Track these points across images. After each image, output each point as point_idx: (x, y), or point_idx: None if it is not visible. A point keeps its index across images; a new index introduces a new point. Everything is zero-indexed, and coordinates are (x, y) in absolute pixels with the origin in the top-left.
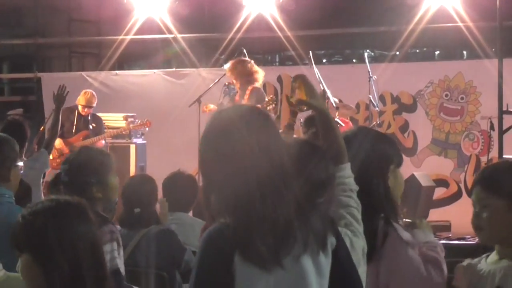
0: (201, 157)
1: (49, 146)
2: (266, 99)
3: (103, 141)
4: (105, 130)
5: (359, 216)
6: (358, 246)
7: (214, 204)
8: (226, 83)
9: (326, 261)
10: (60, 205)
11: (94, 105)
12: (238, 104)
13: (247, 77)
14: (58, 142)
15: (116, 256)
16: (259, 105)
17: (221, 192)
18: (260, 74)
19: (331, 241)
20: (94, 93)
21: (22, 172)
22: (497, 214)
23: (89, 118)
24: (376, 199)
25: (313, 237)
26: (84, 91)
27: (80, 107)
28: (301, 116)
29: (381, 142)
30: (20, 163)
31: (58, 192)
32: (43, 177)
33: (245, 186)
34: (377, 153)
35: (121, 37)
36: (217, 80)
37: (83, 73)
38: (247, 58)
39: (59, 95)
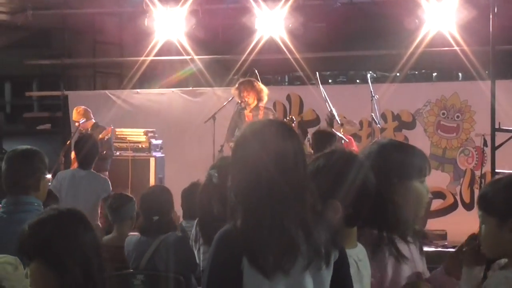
0: (231, 159)
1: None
2: (286, 119)
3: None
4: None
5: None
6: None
7: (231, 205)
8: (239, 101)
9: (327, 273)
10: (63, 214)
11: (81, 121)
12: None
13: (256, 95)
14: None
15: None
16: None
17: (237, 195)
18: (265, 92)
19: (334, 254)
20: (82, 109)
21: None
22: (490, 231)
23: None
24: (374, 213)
25: (318, 252)
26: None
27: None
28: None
29: (385, 155)
30: (48, 175)
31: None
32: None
33: (257, 193)
34: (376, 167)
35: (142, 58)
36: (231, 98)
37: (107, 92)
38: (252, 78)
39: None
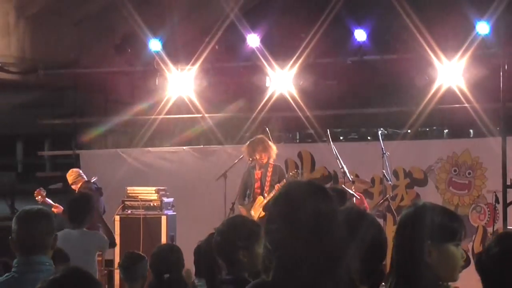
0: (267, 216)
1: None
2: (290, 174)
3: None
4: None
5: None
6: None
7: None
8: (249, 159)
9: None
10: (75, 274)
11: (71, 182)
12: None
13: (269, 154)
14: None
15: None
16: (284, 180)
17: (273, 250)
18: (275, 151)
19: None
20: (72, 171)
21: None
22: None
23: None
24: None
25: None
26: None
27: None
28: None
29: (420, 216)
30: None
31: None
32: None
33: (294, 253)
34: (411, 228)
35: (153, 116)
36: (241, 156)
37: (118, 150)
38: (262, 136)
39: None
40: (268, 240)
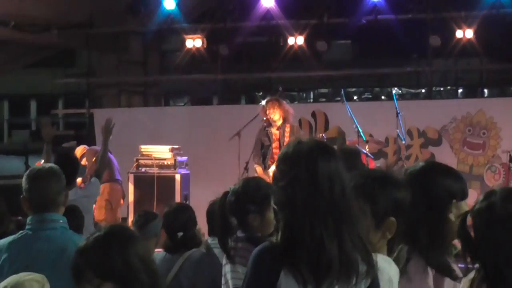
0: (275, 175)
1: (99, 176)
2: (302, 133)
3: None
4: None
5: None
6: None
7: (278, 222)
8: (264, 118)
9: None
10: (112, 232)
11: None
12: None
13: (282, 113)
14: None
15: None
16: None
17: (280, 211)
18: (291, 113)
19: (367, 278)
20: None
21: (75, 200)
22: None
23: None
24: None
25: (349, 269)
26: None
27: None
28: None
29: (445, 177)
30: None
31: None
32: (95, 203)
33: (301, 211)
34: (439, 188)
35: (166, 76)
36: (256, 116)
37: (132, 109)
38: (279, 97)
39: (107, 127)
40: (274, 200)
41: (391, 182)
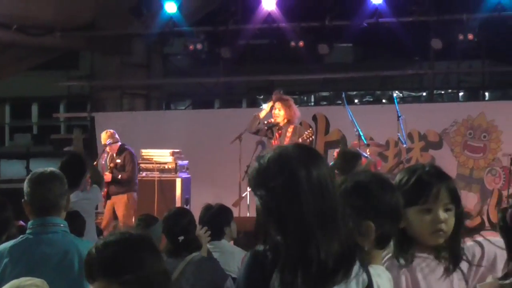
0: (253, 180)
1: (99, 185)
2: (306, 132)
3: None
4: (139, 162)
5: None
6: None
7: (266, 227)
8: (265, 122)
9: None
10: (132, 237)
11: (108, 142)
12: (296, 143)
13: (287, 112)
14: None
15: None
16: (300, 138)
17: (274, 220)
18: (298, 117)
19: (363, 278)
20: (110, 132)
21: (76, 202)
22: None
23: (115, 154)
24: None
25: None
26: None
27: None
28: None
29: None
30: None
31: None
32: (96, 209)
33: (295, 218)
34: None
35: (168, 79)
36: (255, 114)
37: (133, 112)
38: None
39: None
40: (258, 207)
41: (379, 186)
